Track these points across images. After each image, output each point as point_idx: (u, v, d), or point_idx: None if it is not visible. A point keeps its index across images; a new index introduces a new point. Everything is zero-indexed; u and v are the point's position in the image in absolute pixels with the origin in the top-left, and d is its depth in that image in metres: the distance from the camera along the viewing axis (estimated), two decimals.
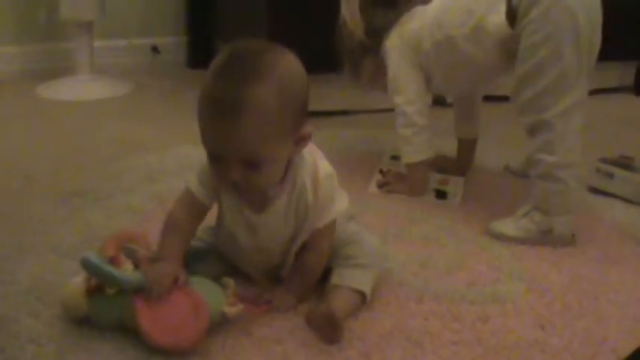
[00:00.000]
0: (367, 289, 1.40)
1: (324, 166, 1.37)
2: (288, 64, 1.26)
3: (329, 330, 1.29)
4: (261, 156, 1.23)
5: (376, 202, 1.96)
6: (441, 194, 2.02)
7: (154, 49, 3.39)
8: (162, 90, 3.05)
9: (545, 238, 1.73)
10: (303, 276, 1.43)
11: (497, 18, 1.73)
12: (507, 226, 1.77)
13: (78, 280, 1.29)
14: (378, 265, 1.47)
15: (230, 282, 1.35)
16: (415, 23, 1.96)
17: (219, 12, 3.21)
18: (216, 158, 1.26)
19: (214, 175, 1.31)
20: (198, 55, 3.37)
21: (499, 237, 1.75)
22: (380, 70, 2.03)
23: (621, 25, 3.15)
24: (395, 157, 2.27)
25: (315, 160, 1.36)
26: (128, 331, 1.26)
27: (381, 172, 2.16)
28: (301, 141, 1.31)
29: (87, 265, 1.24)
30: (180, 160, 2.06)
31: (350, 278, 1.39)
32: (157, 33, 3.42)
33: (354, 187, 1.96)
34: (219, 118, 1.20)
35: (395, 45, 1.99)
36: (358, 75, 2.12)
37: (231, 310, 1.29)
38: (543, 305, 1.48)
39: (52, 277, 1.44)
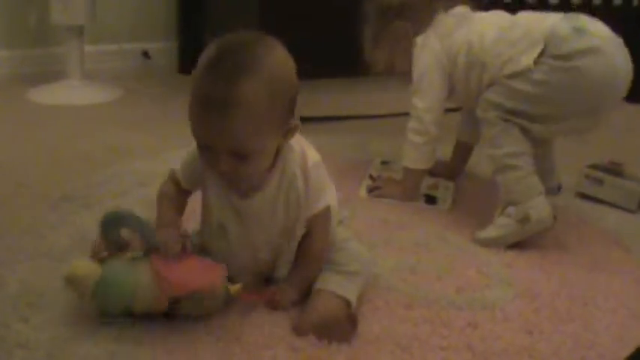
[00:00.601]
0: (352, 296, 1.39)
1: (312, 155, 1.39)
2: (277, 56, 1.28)
3: (347, 328, 1.32)
4: (249, 148, 1.25)
5: (366, 207, 1.96)
6: (430, 199, 2.03)
7: (145, 54, 3.39)
8: (153, 95, 3.05)
9: (525, 227, 1.74)
10: (304, 267, 1.43)
11: (527, 60, 1.75)
12: (490, 230, 1.78)
13: (85, 259, 1.32)
14: (365, 273, 1.47)
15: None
16: (459, 36, 1.92)
17: (209, 17, 3.21)
18: (205, 149, 1.28)
19: (204, 164, 1.34)
20: (189, 60, 3.34)
21: (485, 243, 1.77)
22: (402, 44, 2.01)
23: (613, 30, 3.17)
24: (385, 163, 2.27)
25: (303, 149, 1.38)
26: (120, 336, 1.26)
27: (371, 177, 2.16)
28: (289, 132, 1.33)
29: (116, 215, 1.34)
30: (170, 165, 2.04)
31: (335, 284, 1.39)
32: (148, 38, 3.42)
33: (343, 192, 1.96)
34: (209, 112, 1.22)
35: (432, 47, 1.96)
36: (377, 43, 2.06)
37: (234, 288, 1.33)
38: (532, 311, 1.49)
39: (42, 282, 1.44)
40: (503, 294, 1.54)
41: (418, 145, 1.97)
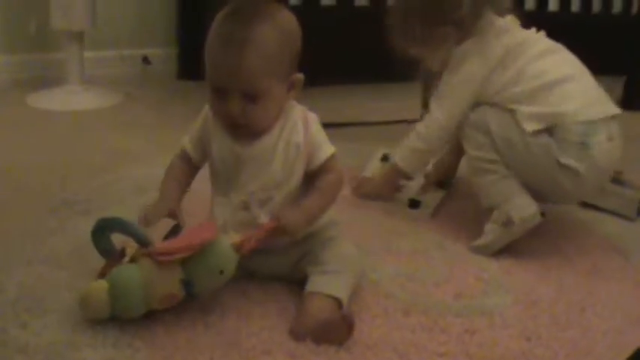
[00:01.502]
0: (342, 295, 1.40)
1: (311, 114, 1.48)
2: (286, 14, 1.44)
3: (343, 330, 1.33)
4: (259, 89, 1.37)
5: (364, 214, 1.96)
6: (414, 203, 2.02)
7: (145, 59, 3.40)
8: (153, 101, 3.05)
9: (511, 230, 1.74)
10: (314, 196, 1.45)
11: (531, 126, 1.73)
12: (481, 238, 1.78)
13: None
14: (353, 271, 1.48)
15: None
16: (509, 68, 1.80)
17: (209, 24, 3.21)
18: (218, 92, 1.39)
19: (214, 111, 1.45)
20: (189, 66, 3.37)
21: (479, 251, 1.77)
22: (439, 47, 1.88)
23: (608, 39, 3.18)
24: (385, 159, 2.28)
25: (303, 108, 1.48)
26: (118, 341, 1.26)
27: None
28: (293, 86, 1.44)
29: (103, 222, 1.38)
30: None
31: (325, 285, 1.40)
32: (148, 44, 3.42)
33: (342, 199, 1.97)
34: (227, 51, 1.36)
35: (476, 63, 1.82)
36: (414, 41, 1.92)
37: (236, 239, 1.37)
38: (530, 317, 1.49)
39: (40, 287, 1.44)
40: (502, 300, 1.55)
41: (420, 152, 1.94)
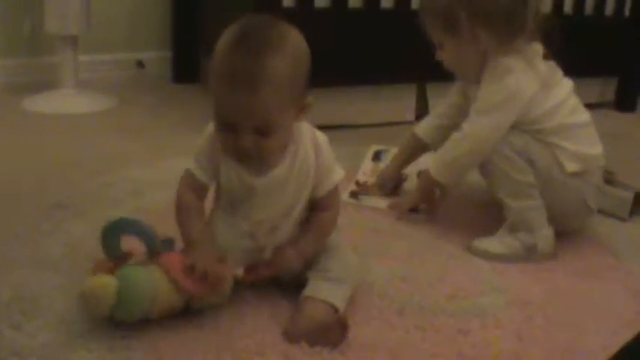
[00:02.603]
0: (341, 303, 1.40)
1: (320, 134, 1.44)
2: (296, 36, 1.35)
3: (337, 332, 1.33)
4: (274, 123, 1.30)
5: (358, 216, 1.97)
6: (413, 208, 2.02)
7: (139, 63, 3.40)
8: (147, 104, 3.05)
9: (529, 254, 1.76)
10: (310, 233, 1.46)
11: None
12: (491, 243, 1.79)
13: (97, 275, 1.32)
14: (353, 280, 1.48)
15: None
16: (549, 97, 1.79)
17: (204, 27, 3.22)
18: (228, 127, 1.31)
19: (222, 145, 1.36)
20: (183, 70, 3.38)
21: (483, 255, 1.77)
22: (474, 54, 1.82)
23: (601, 41, 3.20)
24: (377, 158, 2.28)
25: (311, 127, 1.44)
26: (113, 343, 1.27)
27: (357, 183, 2.17)
28: (303, 109, 1.38)
29: (116, 223, 1.36)
30: (164, 174, 2.05)
31: (324, 291, 1.40)
32: (142, 48, 3.42)
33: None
34: (237, 88, 1.27)
35: (525, 80, 1.77)
36: (448, 44, 1.86)
37: (238, 273, 1.40)
38: (523, 318, 1.50)
39: (35, 289, 1.44)
40: (495, 301, 1.55)
41: (461, 164, 1.85)
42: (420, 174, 2.07)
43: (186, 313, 1.38)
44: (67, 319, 1.34)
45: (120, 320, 1.31)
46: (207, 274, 1.32)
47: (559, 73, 1.85)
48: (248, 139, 1.30)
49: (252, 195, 1.41)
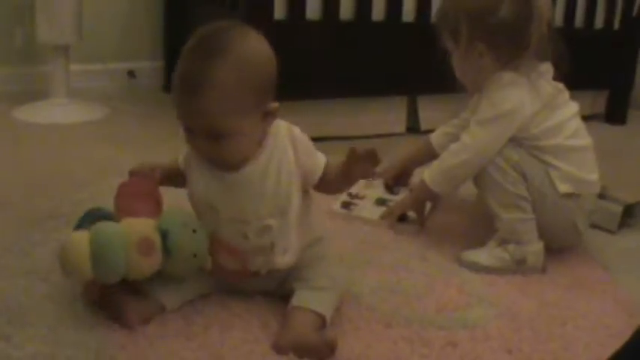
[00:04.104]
0: (327, 311, 1.41)
1: (296, 128, 1.45)
2: (249, 41, 1.36)
3: (325, 351, 1.33)
4: (223, 128, 1.32)
5: (346, 227, 1.97)
6: (402, 217, 2.02)
7: (130, 73, 3.40)
8: (138, 114, 3.05)
9: (518, 267, 1.76)
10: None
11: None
12: (480, 255, 1.79)
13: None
14: (338, 288, 1.49)
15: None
16: (551, 117, 1.80)
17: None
18: (187, 130, 1.36)
19: (189, 145, 1.41)
20: None
21: (471, 266, 1.77)
22: (475, 67, 1.84)
23: (591, 54, 3.21)
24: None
25: (287, 125, 1.45)
26: (100, 355, 1.27)
27: (349, 194, 2.17)
28: (268, 116, 1.38)
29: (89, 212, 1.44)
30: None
31: (310, 301, 1.41)
32: (134, 57, 3.43)
33: (323, 213, 1.98)
34: (184, 94, 1.32)
35: (528, 96, 1.78)
36: (453, 55, 1.88)
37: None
38: (512, 330, 1.50)
39: (23, 299, 1.44)
40: (484, 313, 1.56)
41: (455, 174, 1.85)
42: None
43: (176, 322, 1.39)
44: (56, 330, 1.34)
45: (103, 275, 1.32)
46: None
47: (565, 95, 1.85)
48: (203, 143, 1.35)
49: (229, 192, 1.41)
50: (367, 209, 2.09)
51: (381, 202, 2.14)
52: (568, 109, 1.84)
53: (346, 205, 2.10)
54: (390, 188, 2.23)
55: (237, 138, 1.34)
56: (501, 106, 1.78)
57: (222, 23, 1.37)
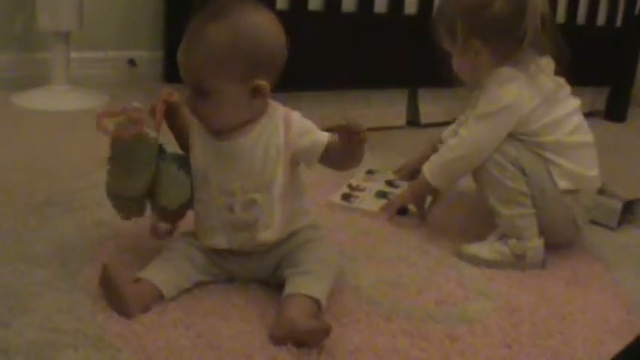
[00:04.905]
0: (321, 295, 1.40)
1: (294, 112, 1.48)
2: (256, 16, 1.42)
3: (320, 334, 1.33)
4: (206, 86, 1.39)
5: (346, 219, 1.97)
6: (402, 210, 2.02)
7: (131, 61, 3.39)
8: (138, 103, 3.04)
9: (517, 262, 1.76)
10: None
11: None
12: (481, 248, 1.78)
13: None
14: (331, 271, 1.48)
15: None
16: (551, 112, 1.79)
17: None
18: (186, 84, 1.43)
19: (185, 100, 1.47)
20: (175, 69, 3.35)
21: (472, 259, 1.77)
22: (472, 63, 1.84)
23: (593, 51, 3.21)
24: (370, 172, 2.29)
25: (286, 109, 1.48)
26: (100, 342, 1.26)
27: (349, 186, 2.17)
28: (257, 92, 1.41)
29: None
30: None
31: (303, 286, 1.40)
32: (134, 46, 3.42)
33: (323, 205, 1.98)
34: (182, 48, 1.42)
35: (526, 90, 1.77)
36: (452, 52, 1.88)
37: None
38: (511, 325, 1.50)
39: (22, 286, 1.44)
40: (483, 307, 1.55)
41: (452, 168, 1.86)
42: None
43: (174, 311, 1.39)
44: (54, 317, 1.33)
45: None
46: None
47: (566, 89, 1.85)
48: (190, 97, 1.42)
49: (220, 160, 1.45)
50: (367, 201, 2.09)
51: (381, 194, 2.14)
52: (569, 103, 1.84)
53: (346, 197, 2.09)
54: (390, 181, 2.23)
55: (218, 100, 1.40)
56: (499, 101, 1.78)
57: None
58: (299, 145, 1.44)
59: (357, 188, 2.16)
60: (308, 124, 1.47)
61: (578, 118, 1.84)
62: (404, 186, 2.15)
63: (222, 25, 1.38)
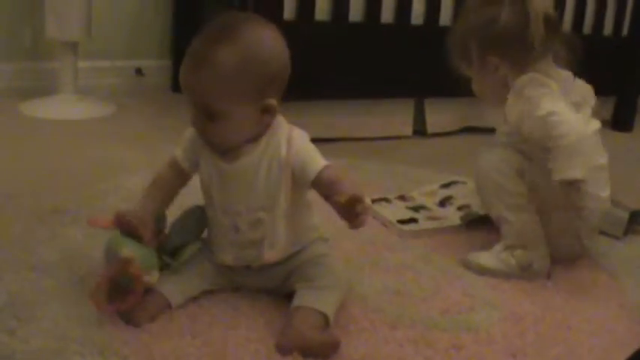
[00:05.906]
0: (330, 310, 1.41)
1: (298, 131, 1.46)
2: (262, 34, 1.40)
3: (328, 348, 1.34)
4: (215, 109, 1.37)
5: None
6: (411, 219, 2.03)
7: (138, 71, 3.40)
8: (145, 112, 3.06)
9: (524, 272, 1.75)
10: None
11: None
12: (487, 258, 1.78)
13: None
14: (340, 287, 1.49)
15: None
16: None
17: None
18: (191, 105, 1.41)
19: (191, 122, 1.44)
20: None
21: (478, 268, 1.77)
22: (491, 79, 1.82)
23: (599, 61, 3.21)
24: (448, 184, 2.31)
25: (290, 126, 1.46)
26: (106, 350, 1.27)
27: (402, 197, 2.20)
28: (266, 110, 1.40)
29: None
30: None
31: (312, 300, 1.41)
32: (142, 56, 3.43)
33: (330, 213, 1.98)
34: (188, 70, 1.38)
35: (548, 109, 1.67)
36: (468, 71, 1.87)
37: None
38: (516, 334, 1.50)
39: (29, 294, 1.44)
40: (488, 316, 1.56)
41: (582, 154, 1.68)
42: None
43: (180, 319, 1.40)
44: (61, 325, 1.34)
45: None
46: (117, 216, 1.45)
47: (588, 109, 1.84)
48: (197, 119, 1.40)
49: (225, 182, 1.44)
50: (389, 210, 2.09)
51: (414, 209, 2.13)
52: (590, 125, 1.81)
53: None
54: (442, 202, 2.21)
55: (228, 122, 1.38)
56: (541, 88, 1.72)
57: (243, 13, 1.42)
58: (294, 165, 1.42)
59: (406, 197, 2.18)
60: (308, 145, 1.45)
61: (596, 141, 1.80)
62: (450, 208, 2.15)
63: (230, 47, 1.35)
